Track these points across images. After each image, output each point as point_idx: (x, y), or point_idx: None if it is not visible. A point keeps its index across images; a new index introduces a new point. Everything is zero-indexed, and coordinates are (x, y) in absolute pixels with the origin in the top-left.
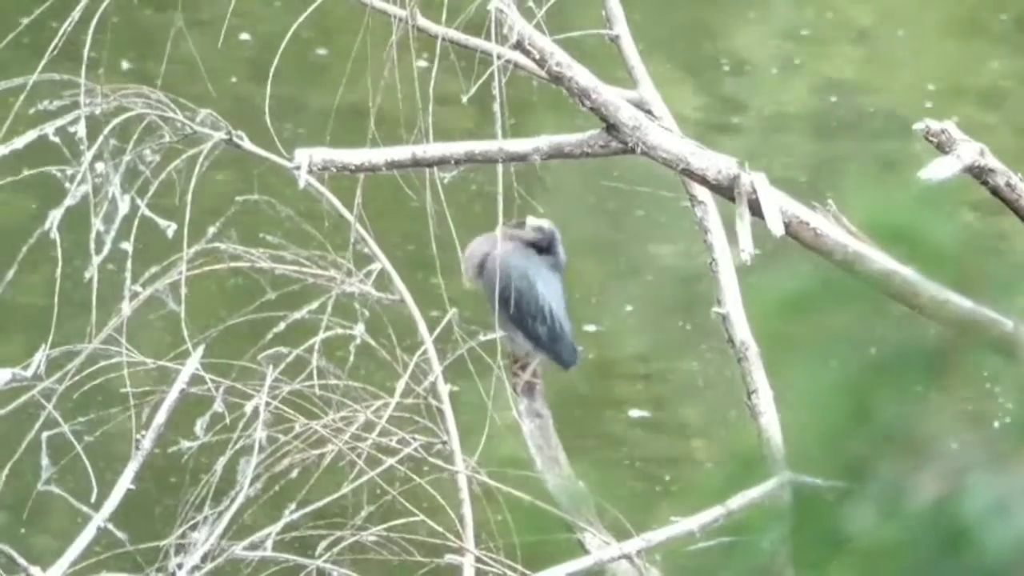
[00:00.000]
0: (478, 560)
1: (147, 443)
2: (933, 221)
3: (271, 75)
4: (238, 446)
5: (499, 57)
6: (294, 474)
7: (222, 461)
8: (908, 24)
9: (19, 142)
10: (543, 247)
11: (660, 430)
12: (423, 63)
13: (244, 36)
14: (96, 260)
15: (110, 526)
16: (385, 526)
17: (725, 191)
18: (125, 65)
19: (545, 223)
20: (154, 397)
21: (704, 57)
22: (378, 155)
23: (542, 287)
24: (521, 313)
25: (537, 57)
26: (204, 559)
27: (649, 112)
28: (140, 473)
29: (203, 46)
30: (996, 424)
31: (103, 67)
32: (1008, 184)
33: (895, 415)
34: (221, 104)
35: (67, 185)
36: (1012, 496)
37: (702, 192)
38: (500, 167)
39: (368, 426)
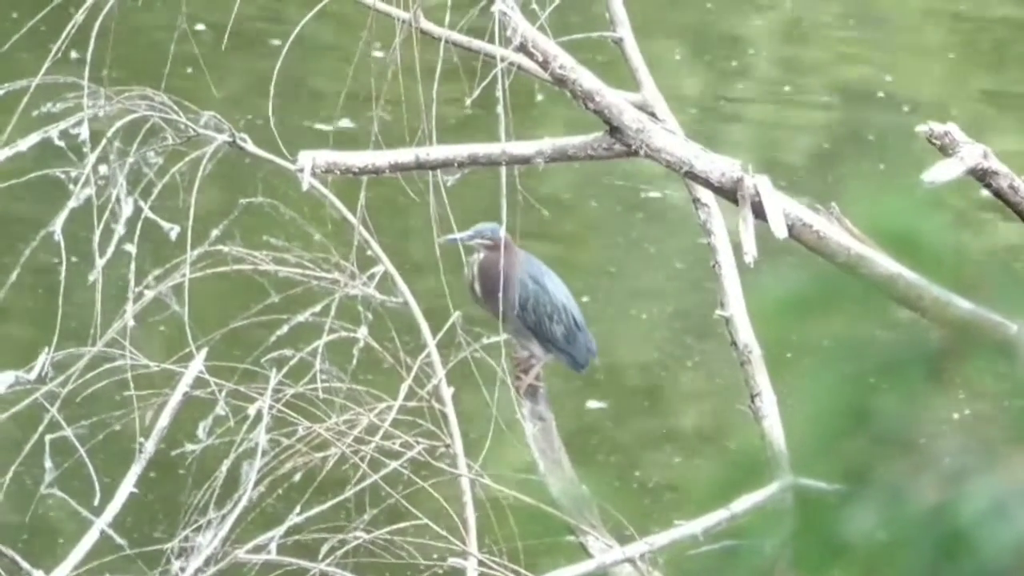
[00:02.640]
0: (481, 564)
1: (150, 446)
2: (935, 225)
3: (273, 77)
4: (241, 449)
5: (503, 60)
6: (297, 477)
7: (226, 464)
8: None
9: (23, 144)
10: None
11: (620, 422)
12: (378, 53)
13: (199, 27)
14: (100, 263)
15: (110, 531)
16: (388, 529)
17: (729, 194)
18: (74, 54)
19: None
20: (157, 400)
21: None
22: (381, 157)
23: (551, 285)
24: (537, 315)
25: (540, 60)
26: (207, 562)
27: (653, 115)
28: (143, 476)
29: (155, 35)
30: (994, 425)
31: (48, 55)
32: (1011, 186)
33: (897, 418)
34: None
35: (71, 187)
36: (1012, 500)
37: (706, 195)
38: (504, 170)
39: (371, 429)
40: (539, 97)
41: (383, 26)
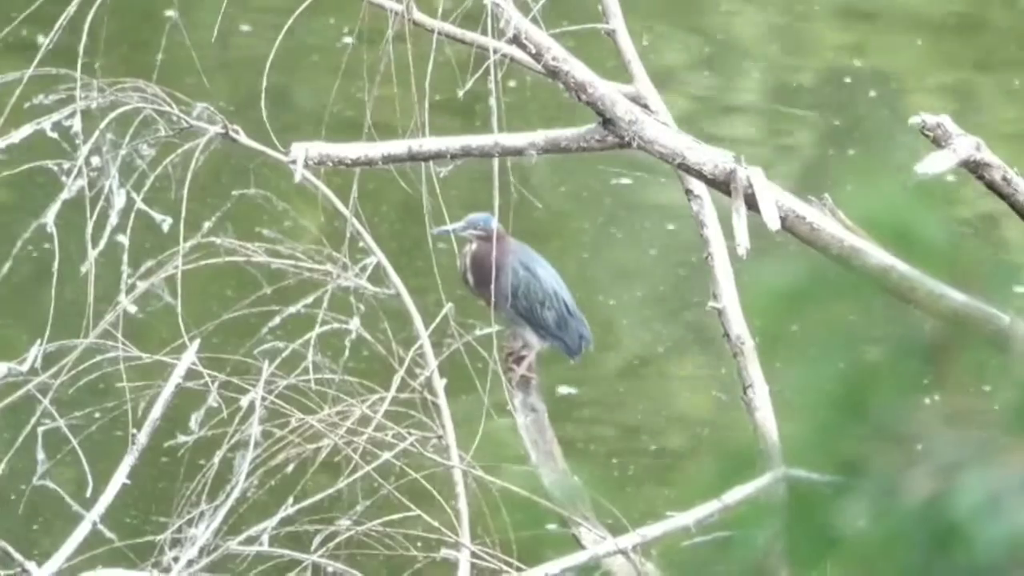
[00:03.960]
0: (474, 555)
1: (142, 438)
2: (927, 217)
3: (267, 68)
4: (234, 440)
5: (495, 51)
6: (290, 469)
7: (218, 456)
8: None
9: (16, 136)
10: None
11: (593, 409)
12: (348, 39)
13: (168, 13)
14: (92, 254)
15: (101, 526)
16: (381, 521)
17: (721, 185)
18: (40, 39)
19: (477, 217)
20: (150, 392)
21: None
22: (374, 149)
23: (542, 271)
24: (529, 302)
25: (533, 51)
26: (200, 553)
27: (645, 106)
28: (136, 467)
29: (128, 24)
30: (988, 419)
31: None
32: (1004, 178)
33: (890, 410)
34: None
35: (64, 179)
36: (1004, 493)
37: (698, 186)
38: (496, 161)
39: (364, 421)
40: (512, 84)
41: (375, 16)
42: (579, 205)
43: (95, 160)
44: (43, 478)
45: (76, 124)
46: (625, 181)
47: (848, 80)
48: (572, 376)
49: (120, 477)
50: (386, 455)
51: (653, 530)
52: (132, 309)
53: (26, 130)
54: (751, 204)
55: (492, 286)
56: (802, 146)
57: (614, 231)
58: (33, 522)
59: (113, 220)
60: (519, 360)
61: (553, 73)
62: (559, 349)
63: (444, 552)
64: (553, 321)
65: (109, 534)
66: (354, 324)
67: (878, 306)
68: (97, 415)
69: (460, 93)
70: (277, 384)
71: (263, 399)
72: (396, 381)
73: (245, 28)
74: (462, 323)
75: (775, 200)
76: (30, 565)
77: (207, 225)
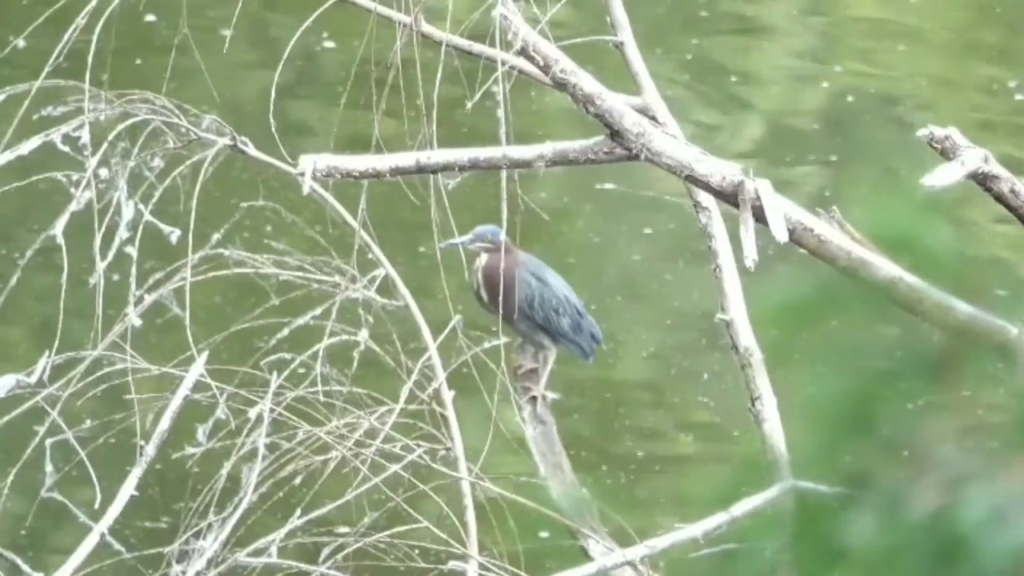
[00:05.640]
0: (482, 567)
1: (150, 450)
2: (935, 230)
3: (275, 80)
4: (242, 452)
5: (503, 63)
6: (298, 481)
7: (226, 468)
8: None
9: (25, 148)
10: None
11: (580, 415)
12: (329, 43)
13: (149, 18)
14: (101, 266)
15: (109, 537)
16: (389, 532)
17: (729, 198)
18: (21, 44)
19: (484, 229)
20: (158, 404)
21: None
22: (382, 161)
23: (552, 279)
24: (544, 311)
25: (541, 63)
26: (208, 565)
27: (653, 118)
28: (144, 479)
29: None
30: (996, 431)
31: None
32: (1012, 190)
33: (897, 423)
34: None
35: (72, 191)
36: (1011, 506)
37: (707, 198)
38: (504, 173)
39: (372, 432)
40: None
41: (383, 28)
42: (562, 210)
43: (103, 172)
44: (51, 490)
45: (84, 136)
46: (609, 186)
47: None
48: (559, 382)
49: (128, 488)
50: (394, 467)
51: (661, 541)
52: (137, 322)
53: (35, 142)
54: (759, 216)
55: (501, 298)
56: None
57: (593, 236)
58: (42, 534)
59: (122, 232)
60: (528, 374)
61: (561, 85)
62: (574, 352)
63: (452, 564)
64: (568, 326)
65: (118, 546)
66: (362, 336)
67: (885, 318)
68: (90, 423)
69: (468, 105)
70: (285, 396)
71: (271, 411)
72: (404, 393)
73: (225, 32)
74: (471, 335)
75: (783, 212)
76: None
77: (216, 236)
